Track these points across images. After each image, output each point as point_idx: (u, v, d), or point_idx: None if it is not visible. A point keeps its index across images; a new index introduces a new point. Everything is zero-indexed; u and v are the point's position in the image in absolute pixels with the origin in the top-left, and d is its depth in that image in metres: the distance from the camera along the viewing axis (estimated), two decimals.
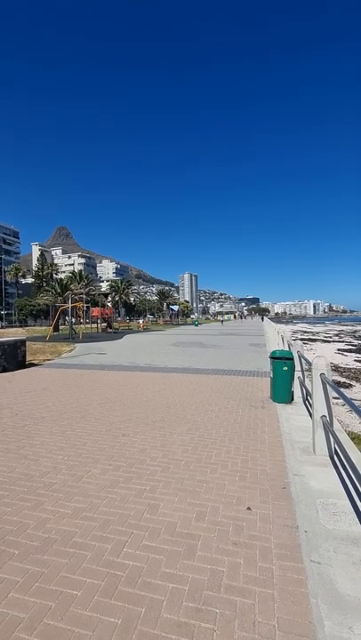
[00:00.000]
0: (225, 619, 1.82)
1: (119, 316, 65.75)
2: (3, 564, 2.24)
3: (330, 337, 46.98)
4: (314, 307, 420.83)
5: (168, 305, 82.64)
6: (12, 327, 51.64)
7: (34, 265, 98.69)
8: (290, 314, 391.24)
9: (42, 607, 1.91)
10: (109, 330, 32.43)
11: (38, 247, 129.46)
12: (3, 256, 76.64)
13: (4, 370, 9.87)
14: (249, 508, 2.86)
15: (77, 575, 2.14)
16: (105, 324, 34.56)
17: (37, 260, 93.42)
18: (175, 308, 75.21)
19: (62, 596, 1.98)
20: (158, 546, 2.41)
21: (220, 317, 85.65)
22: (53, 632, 1.75)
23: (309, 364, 4.27)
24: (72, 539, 2.49)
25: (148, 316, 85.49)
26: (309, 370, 4.60)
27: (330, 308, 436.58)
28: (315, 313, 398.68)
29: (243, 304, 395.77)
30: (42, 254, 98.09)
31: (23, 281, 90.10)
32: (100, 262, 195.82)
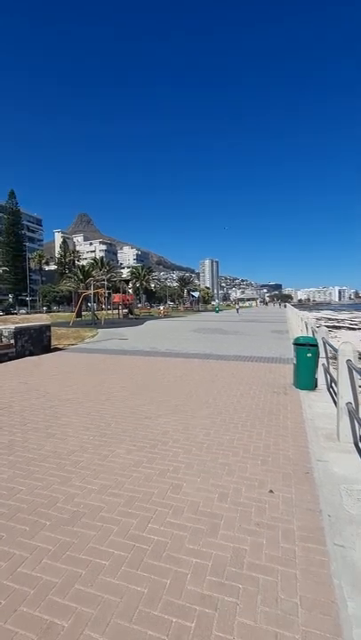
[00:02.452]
0: (248, 594, 1.87)
1: (140, 302, 66.31)
2: (36, 534, 2.37)
3: (356, 324, 45.57)
4: (339, 293, 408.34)
5: (188, 291, 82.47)
6: (37, 313, 53.22)
7: (56, 252, 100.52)
8: (313, 300, 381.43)
9: (73, 574, 2.02)
10: (130, 316, 32.83)
11: (60, 234, 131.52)
12: (27, 243, 78.41)
13: (31, 354, 10.23)
14: (271, 491, 2.88)
15: (105, 547, 2.24)
16: (126, 310, 35.00)
17: (60, 247, 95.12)
18: (196, 294, 74.92)
19: (92, 565, 2.09)
20: (182, 523, 2.48)
21: (234, 304, 71.34)
22: (84, 597, 1.86)
23: (335, 350, 4.18)
24: (99, 513, 2.60)
25: (169, 302, 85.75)
26: (334, 357, 4.50)
27: (356, 294, 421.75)
28: (340, 300, 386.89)
29: (265, 290, 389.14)
30: (64, 241, 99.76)
31: (46, 268, 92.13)
32: (121, 249, 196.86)
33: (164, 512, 2.61)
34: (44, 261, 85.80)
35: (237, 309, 51.96)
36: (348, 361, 3.75)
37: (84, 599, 1.85)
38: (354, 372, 3.66)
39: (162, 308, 47.75)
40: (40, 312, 56.32)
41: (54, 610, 1.78)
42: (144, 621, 1.71)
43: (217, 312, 50.08)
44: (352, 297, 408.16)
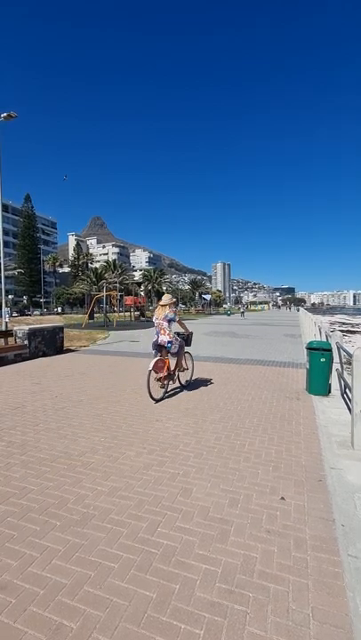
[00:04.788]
0: (258, 603, 1.83)
1: (152, 304, 66.62)
2: (46, 534, 2.39)
3: None
4: (354, 297, 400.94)
5: (200, 294, 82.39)
6: (51, 314, 54.05)
7: (70, 254, 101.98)
8: (327, 304, 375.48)
9: (82, 575, 2.02)
10: (142, 318, 32.98)
11: (74, 237, 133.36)
12: (41, 246, 79.85)
13: (44, 355, 10.38)
14: (283, 498, 2.83)
15: (114, 549, 2.24)
16: (138, 313, 35.18)
17: (73, 250, 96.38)
18: (207, 297, 74.79)
19: (101, 567, 2.08)
20: (191, 528, 2.46)
21: (238, 308, 67.60)
22: (92, 599, 1.86)
23: (350, 355, 4.10)
24: (109, 515, 2.61)
25: (181, 305, 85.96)
26: (349, 362, 4.41)
27: None
28: (355, 304, 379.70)
29: (277, 294, 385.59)
30: (77, 244, 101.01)
31: (60, 270, 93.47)
32: (134, 251, 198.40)
33: (174, 516, 2.60)
34: (57, 264, 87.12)
35: (242, 313, 48.43)
36: None
37: (93, 601, 1.84)
38: None
39: None
40: (53, 313, 57.24)
41: (63, 611, 1.79)
42: (152, 626, 1.70)
43: (228, 315, 49.88)
44: None
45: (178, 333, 6.24)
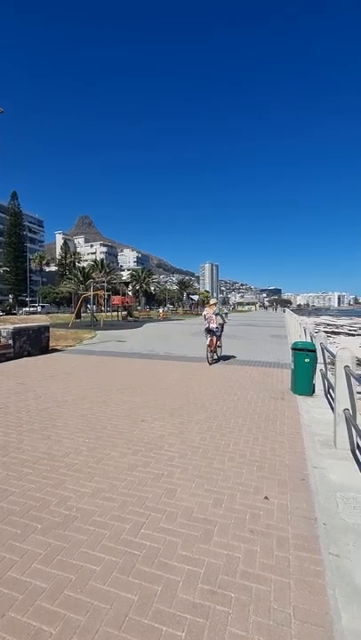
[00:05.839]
0: (240, 603, 1.84)
1: (139, 304, 66.30)
2: (26, 537, 2.34)
3: (355, 330, 45.57)
4: (338, 299, 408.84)
5: (188, 295, 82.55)
6: (36, 314, 53.20)
7: (57, 253, 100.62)
8: (313, 306, 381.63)
9: (63, 579, 1.98)
10: (130, 318, 32.81)
11: (62, 236, 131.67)
12: (28, 244, 78.47)
13: (29, 354, 10.20)
14: (266, 498, 2.85)
15: (96, 551, 2.21)
16: (125, 313, 34.97)
17: (61, 249, 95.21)
18: (195, 297, 74.97)
19: (82, 570, 2.05)
20: (175, 529, 2.45)
21: (221, 309, 61.36)
22: (73, 603, 1.82)
23: (333, 356, 4.16)
24: (92, 517, 2.57)
25: (168, 305, 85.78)
26: (332, 363, 4.48)
27: (356, 300, 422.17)
28: (339, 305, 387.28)
29: (264, 295, 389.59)
30: (65, 243, 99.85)
31: (47, 269, 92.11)
32: (122, 251, 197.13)
33: (158, 517, 2.58)
34: (44, 262, 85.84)
35: (225, 314, 35.33)
36: (346, 367, 3.73)
37: (74, 605, 1.81)
38: (352, 379, 3.65)
39: (161, 310, 47.72)
40: (40, 313, 56.34)
41: (43, 616, 1.75)
42: (133, 630, 1.68)
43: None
44: (351, 303, 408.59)
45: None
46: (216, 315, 9.45)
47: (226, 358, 10.15)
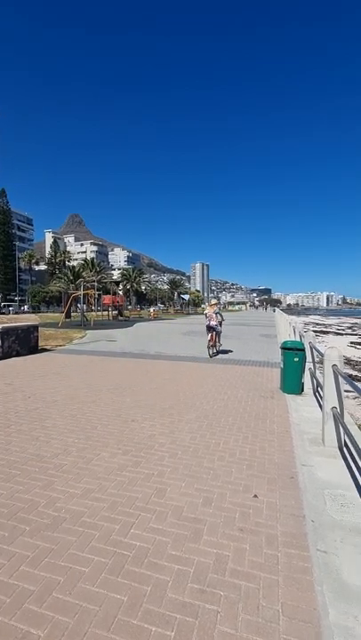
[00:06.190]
0: (229, 601, 1.84)
1: (130, 304, 65.99)
2: (14, 540, 2.31)
3: (343, 329, 46.25)
4: (327, 298, 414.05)
5: (179, 294, 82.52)
6: (25, 313, 52.50)
7: (47, 252, 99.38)
8: (302, 305, 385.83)
9: (51, 581, 1.96)
10: (120, 318, 32.65)
11: (51, 234, 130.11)
12: (17, 243, 77.44)
13: (18, 354, 10.06)
14: (256, 496, 2.87)
15: (86, 553, 2.19)
16: (116, 312, 34.81)
17: (50, 248, 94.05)
18: (186, 297, 75.01)
19: (71, 572, 2.03)
20: (165, 529, 2.44)
21: (202, 309, 63.11)
22: (62, 605, 1.81)
23: (321, 355, 4.21)
24: (81, 518, 2.55)
25: (159, 304, 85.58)
26: (321, 362, 4.54)
27: (344, 300, 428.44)
28: (328, 305, 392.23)
29: (254, 295, 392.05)
30: (55, 241, 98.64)
31: (36, 268, 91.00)
32: (112, 250, 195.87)
33: (148, 517, 2.57)
34: (34, 261, 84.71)
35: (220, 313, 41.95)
36: (334, 366, 3.78)
37: (62, 608, 1.79)
38: (339, 377, 3.70)
39: (152, 310, 47.60)
40: (28, 312, 55.62)
41: (30, 619, 1.73)
42: (122, 631, 1.67)
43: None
44: (340, 302, 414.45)
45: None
46: (216, 314, 10.46)
47: (224, 352, 11.33)
